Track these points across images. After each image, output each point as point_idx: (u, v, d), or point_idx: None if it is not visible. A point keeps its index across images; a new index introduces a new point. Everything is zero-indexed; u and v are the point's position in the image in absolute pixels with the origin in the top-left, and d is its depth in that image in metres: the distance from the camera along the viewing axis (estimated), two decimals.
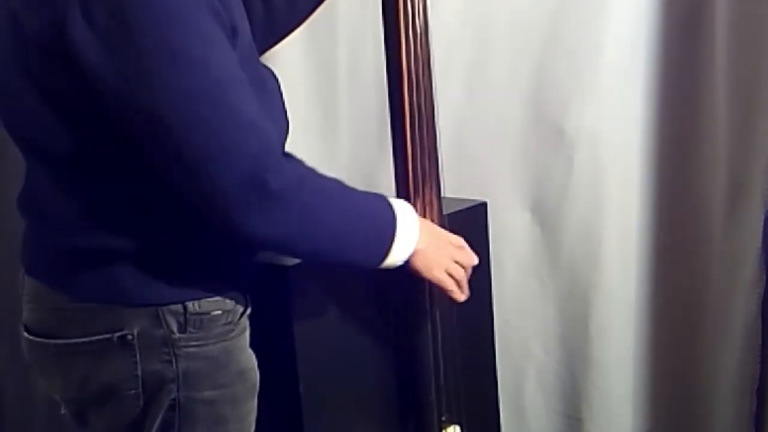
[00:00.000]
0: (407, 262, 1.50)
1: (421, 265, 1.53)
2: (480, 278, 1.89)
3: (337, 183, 1.42)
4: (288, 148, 1.60)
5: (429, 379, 1.72)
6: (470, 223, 1.85)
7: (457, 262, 1.60)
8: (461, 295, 1.62)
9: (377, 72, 2.20)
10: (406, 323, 1.70)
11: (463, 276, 1.62)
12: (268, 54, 2.10)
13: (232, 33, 1.31)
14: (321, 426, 1.63)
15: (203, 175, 1.27)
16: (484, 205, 1.91)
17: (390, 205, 1.47)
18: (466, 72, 2.23)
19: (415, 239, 1.49)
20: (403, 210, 1.49)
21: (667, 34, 2.17)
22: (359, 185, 2.23)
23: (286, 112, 1.56)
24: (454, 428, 1.79)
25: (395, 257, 1.47)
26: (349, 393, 1.69)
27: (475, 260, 1.64)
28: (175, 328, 1.39)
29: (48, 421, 1.60)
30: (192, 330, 1.40)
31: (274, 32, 1.72)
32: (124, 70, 1.23)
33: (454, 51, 2.18)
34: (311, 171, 1.40)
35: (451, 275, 1.59)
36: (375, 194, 1.50)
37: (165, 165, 1.29)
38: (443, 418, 1.76)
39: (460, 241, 1.63)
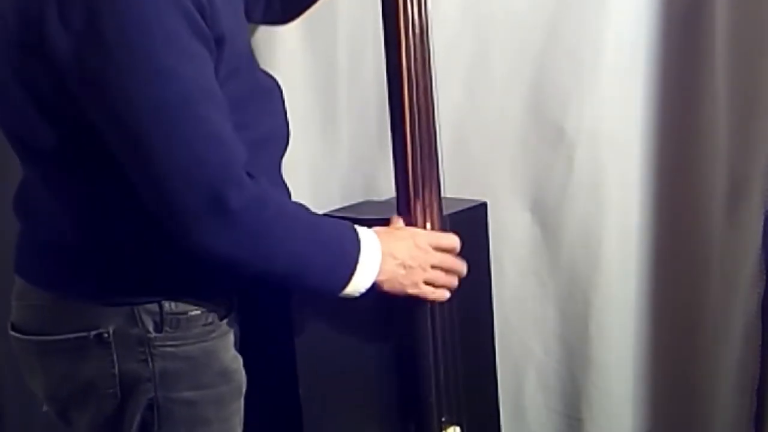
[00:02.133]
0: (377, 286, 1.48)
1: (392, 289, 1.51)
2: (480, 278, 1.89)
3: (300, 209, 1.42)
4: (288, 148, 1.61)
5: (429, 381, 1.71)
6: (470, 223, 1.84)
7: (436, 267, 1.56)
8: (444, 297, 1.60)
9: (377, 72, 2.20)
10: (407, 324, 1.69)
11: (446, 281, 1.58)
12: (267, 54, 2.11)
13: (217, 43, 1.31)
14: (321, 427, 1.63)
15: (164, 186, 1.28)
16: (484, 205, 1.90)
17: (355, 235, 1.45)
18: (466, 72, 2.23)
19: (376, 269, 1.46)
20: (367, 239, 1.46)
21: (667, 34, 2.17)
22: (359, 185, 2.27)
23: (287, 121, 1.56)
24: (454, 429, 1.78)
25: (355, 287, 1.45)
26: (349, 394, 1.68)
27: (459, 267, 1.61)
28: (150, 327, 1.40)
29: (48, 421, 1.61)
30: (168, 330, 1.40)
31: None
32: (95, 75, 1.24)
33: (454, 51, 2.17)
34: (274, 194, 1.40)
35: (431, 284, 1.56)
36: (339, 222, 1.48)
37: (130, 171, 1.30)
38: (443, 419, 1.75)
39: (450, 241, 1.59)
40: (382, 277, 1.47)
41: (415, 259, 1.53)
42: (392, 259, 1.49)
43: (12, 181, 1.83)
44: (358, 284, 1.45)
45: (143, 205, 1.33)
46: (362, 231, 1.47)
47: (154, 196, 1.29)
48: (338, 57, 2.23)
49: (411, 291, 1.53)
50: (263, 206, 1.34)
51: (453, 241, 1.60)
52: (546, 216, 2.28)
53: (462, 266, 1.61)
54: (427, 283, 1.55)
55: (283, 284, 1.46)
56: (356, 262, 1.43)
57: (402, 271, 1.51)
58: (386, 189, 2.05)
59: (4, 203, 2.14)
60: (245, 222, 1.31)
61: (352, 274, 1.43)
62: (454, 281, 1.60)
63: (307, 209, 1.43)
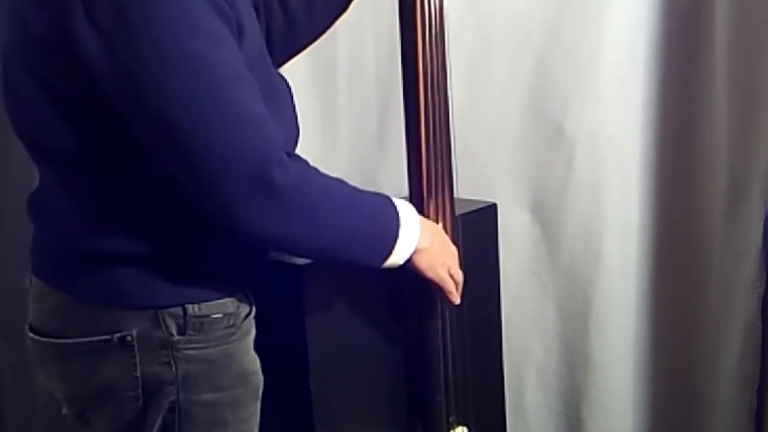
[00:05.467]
0: (410, 261, 1.50)
1: (425, 263, 1.53)
2: (489, 279, 1.89)
3: (341, 182, 1.42)
4: None
5: (438, 380, 1.72)
6: (480, 224, 1.85)
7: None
8: (457, 298, 1.63)
9: (377, 72, 2.22)
10: (416, 324, 1.70)
11: (461, 280, 1.62)
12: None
13: (238, 31, 1.31)
14: (331, 424, 1.63)
15: (206, 173, 1.26)
16: (494, 206, 1.90)
17: (393, 205, 1.47)
18: (466, 72, 2.23)
19: (416, 238, 1.49)
20: (405, 210, 1.49)
21: (667, 34, 2.18)
22: (359, 185, 2.23)
23: (297, 120, 1.55)
24: (462, 429, 1.78)
25: (397, 256, 1.47)
26: (358, 392, 1.69)
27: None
28: (174, 330, 1.39)
29: (48, 421, 1.60)
30: (191, 333, 1.39)
31: (293, 43, 1.72)
32: (127, 69, 1.23)
33: (454, 50, 2.15)
34: (315, 170, 1.39)
35: (451, 276, 1.60)
36: (377, 194, 1.50)
37: (170, 164, 1.29)
38: (450, 419, 1.75)
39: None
40: (423, 245, 1.50)
41: (444, 243, 1.59)
42: (428, 231, 1.53)
43: (13, 183, 1.82)
44: (399, 253, 1.47)
45: (165, 205, 1.33)
46: (398, 202, 1.50)
47: (197, 185, 1.28)
48: (338, 57, 2.22)
49: (440, 271, 1.57)
50: (307, 183, 1.34)
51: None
52: (546, 216, 2.29)
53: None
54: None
55: (327, 259, 1.47)
56: (398, 231, 1.45)
57: (437, 245, 1.55)
58: (387, 189, 2.04)
59: (5, 205, 2.14)
60: (292, 200, 1.31)
61: (394, 243, 1.45)
62: (461, 282, 1.63)
63: (346, 183, 1.43)
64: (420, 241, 1.50)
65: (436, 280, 1.58)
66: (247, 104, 1.28)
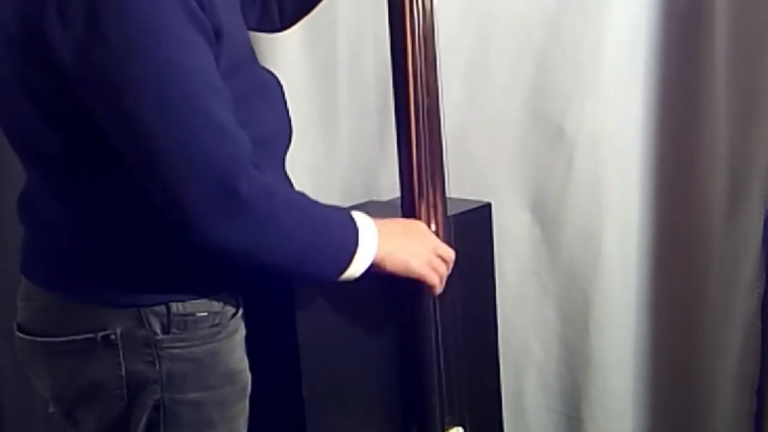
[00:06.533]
0: (375, 268, 1.48)
1: (392, 266, 1.50)
2: (483, 280, 1.89)
3: (303, 196, 1.42)
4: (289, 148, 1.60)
5: (432, 381, 1.71)
6: (474, 224, 1.84)
7: (439, 257, 1.58)
8: (439, 289, 1.60)
9: (377, 71, 2.22)
10: (409, 325, 1.69)
11: (445, 272, 1.59)
12: (267, 54, 2.11)
13: (216, 35, 1.30)
14: (324, 426, 1.63)
15: (172, 180, 1.26)
16: (488, 206, 1.90)
17: (353, 220, 1.46)
18: (466, 72, 2.23)
19: (372, 253, 1.46)
20: (364, 223, 1.47)
21: (667, 34, 2.18)
22: (359, 185, 2.27)
23: (289, 117, 1.55)
24: (458, 430, 1.78)
25: (353, 270, 1.45)
26: (352, 395, 1.68)
27: (453, 253, 1.61)
28: (158, 329, 1.39)
29: (48, 421, 1.60)
30: (176, 331, 1.40)
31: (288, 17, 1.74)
32: (97, 72, 1.23)
33: (454, 50, 2.17)
34: (280, 184, 1.41)
35: (435, 269, 1.57)
36: (337, 209, 1.49)
37: (136, 167, 1.29)
38: (446, 420, 1.75)
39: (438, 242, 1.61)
40: (384, 252, 1.48)
41: (418, 237, 1.56)
42: (391, 238, 1.50)
43: (13, 181, 1.82)
44: (355, 269, 1.45)
45: (148, 205, 1.33)
46: (357, 216, 1.47)
47: (162, 191, 1.28)
48: (338, 57, 2.22)
49: (416, 268, 1.52)
50: (271, 195, 1.34)
51: (452, 252, 1.61)
52: (546, 216, 2.29)
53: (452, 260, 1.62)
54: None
55: (283, 272, 1.46)
56: (355, 248, 1.44)
57: (405, 245, 1.52)
58: (387, 189, 2.05)
59: (5, 204, 2.14)
60: (256, 211, 1.30)
61: (351, 260, 1.44)
62: (446, 272, 1.60)
63: (308, 198, 1.43)
64: (380, 251, 1.47)
65: (415, 276, 1.55)
66: (217, 113, 1.27)
